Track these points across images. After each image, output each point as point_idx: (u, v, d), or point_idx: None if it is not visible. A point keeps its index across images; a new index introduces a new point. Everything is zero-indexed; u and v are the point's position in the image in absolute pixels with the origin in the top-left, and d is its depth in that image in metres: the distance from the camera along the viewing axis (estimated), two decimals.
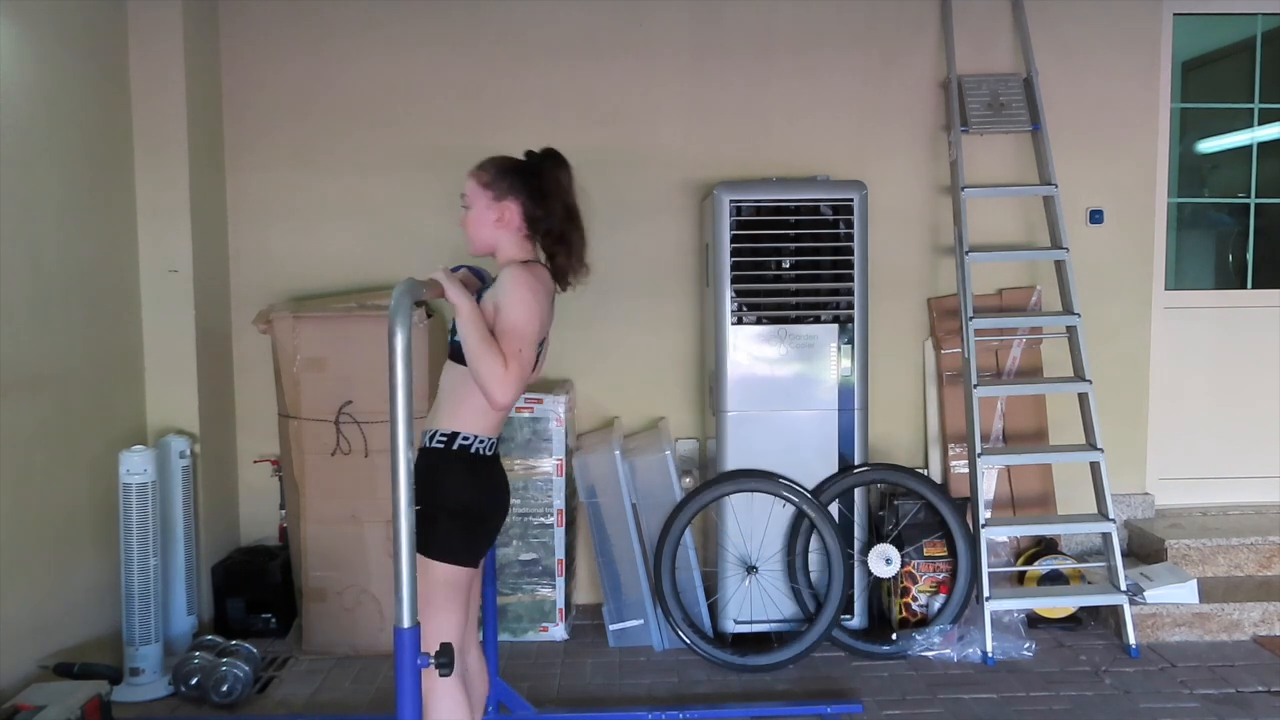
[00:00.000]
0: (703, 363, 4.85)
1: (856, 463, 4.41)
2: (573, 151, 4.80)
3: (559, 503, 4.52)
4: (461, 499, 2.64)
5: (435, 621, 2.58)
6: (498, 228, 2.75)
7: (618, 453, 4.44)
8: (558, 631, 4.55)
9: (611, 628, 4.49)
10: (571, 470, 4.57)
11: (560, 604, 4.54)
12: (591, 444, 4.63)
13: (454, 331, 2.66)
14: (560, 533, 4.53)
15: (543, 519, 4.52)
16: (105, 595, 4.08)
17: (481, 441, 2.68)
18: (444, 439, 2.65)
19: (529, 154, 2.83)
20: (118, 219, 4.31)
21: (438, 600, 2.61)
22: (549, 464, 4.50)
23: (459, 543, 2.64)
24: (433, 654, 2.06)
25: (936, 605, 4.42)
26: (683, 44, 4.90)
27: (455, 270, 2.81)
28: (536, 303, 2.63)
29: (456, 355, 2.66)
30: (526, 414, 4.46)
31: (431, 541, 2.56)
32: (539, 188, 2.76)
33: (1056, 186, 4.74)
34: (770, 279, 4.38)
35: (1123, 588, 4.34)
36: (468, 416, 2.65)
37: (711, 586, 4.48)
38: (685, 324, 4.97)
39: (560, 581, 4.54)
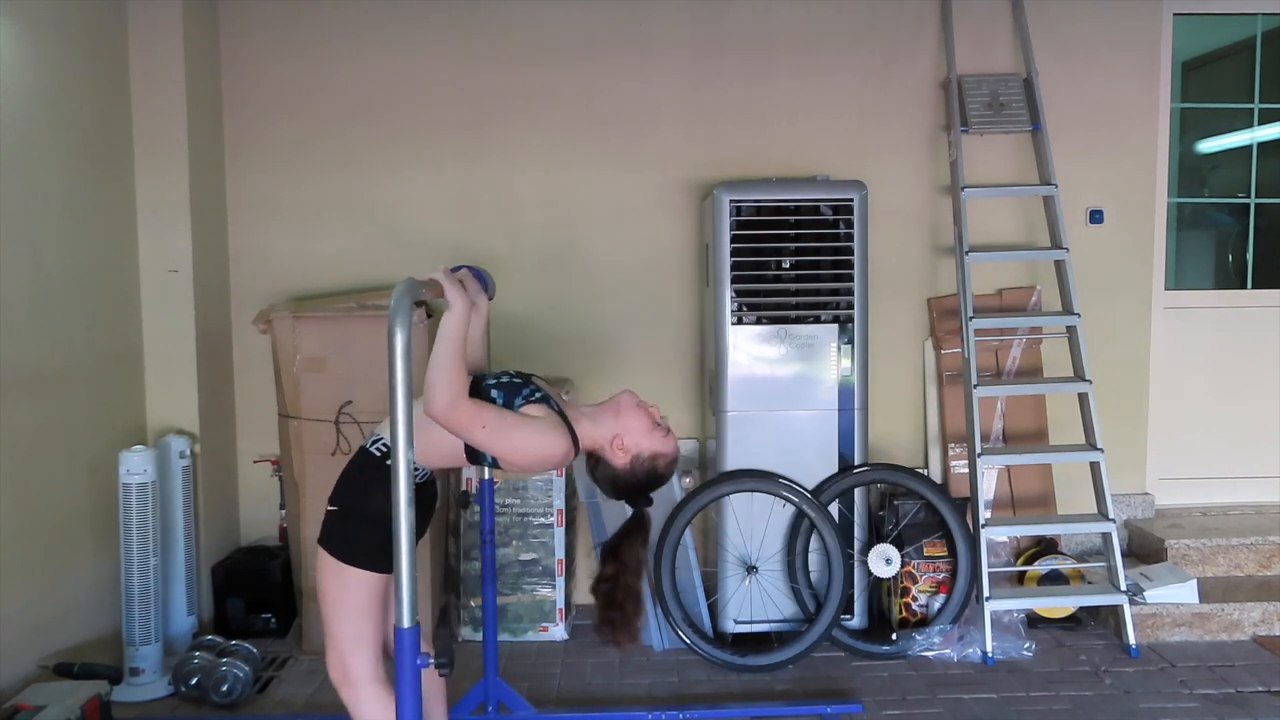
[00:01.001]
0: (703, 363, 4.85)
1: (856, 463, 4.41)
2: (573, 151, 4.89)
3: (559, 503, 4.52)
4: (384, 510, 2.45)
5: (352, 626, 2.58)
6: (609, 436, 2.65)
7: None
8: (558, 631, 4.56)
9: None
10: (571, 470, 4.57)
11: (560, 604, 4.55)
12: None
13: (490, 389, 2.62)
14: (560, 533, 4.53)
15: (543, 519, 4.52)
16: (105, 595, 4.08)
17: (417, 470, 2.59)
18: (383, 450, 2.59)
19: (651, 501, 2.74)
20: (118, 219, 4.32)
21: (356, 605, 2.59)
22: None
23: (378, 549, 2.50)
24: (426, 655, 2.05)
25: (936, 605, 4.42)
26: (683, 43, 4.90)
27: (455, 270, 2.80)
28: (542, 460, 2.56)
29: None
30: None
31: (349, 547, 2.54)
32: (624, 490, 2.69)
33: (1056, 186, 4.73)
34: (770, 279, 4.38)
35: (1123, 588, 4.34)
36: (420, 443, 2.49)
37: (711, 586, 4.48)
38: (685, 324, 4.97)
39: (560, 581, 4.54)
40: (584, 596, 4.93)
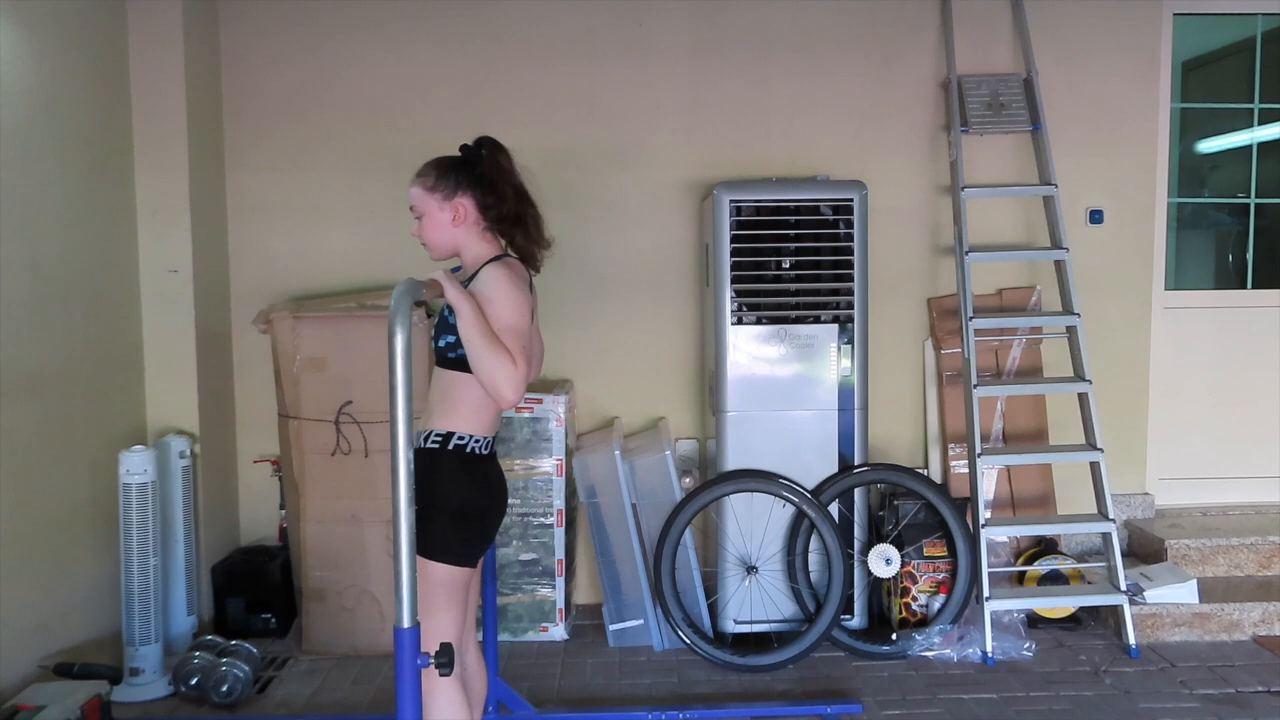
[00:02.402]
0: (703, 363, 4.85)
1: (856, 463, 4.41)
2: (573, 151, 4.88)
3: (559, 503, 4.52)
4: (458, 499, 2.63)
5: (434, 621, 2.58)
6: (456, 226, 2.74)
7: (618, 453, 4.44)
8: (558, 631, 4.56)
9: (611, 628, 4.50)
10: (571, 470, 4.57)
11: (560, 604, 4.55)
12: (591, 444, 4.64)
13: (437, 337, 2.66)
14: (560, 533, 4.53)
15: (543, 519, 4.52)
16: (105, 595, 4.08)
17: (477, 441, 2.67)
18: (439, 439, 2.64)
19: (464, 148, 2.83)
20: (118, 219, 4.32)
21: (438, 601, 2.61)
22: (549, 464, 4.50)
23: (457, 543, 2.63)
24: (432, 654, 2.06)
25: (936, 605, 4.42)
26: (682, 43, 4.90)
27: (455, 270, 2.81)
28: (523, 297, 2.64)
29: (443, 360, 2.65)
30: (526, 414, 4.47)
31: (429, 542, 2.55)
32: (485, 176, 2.76)
33: (1056, 186, 4.74)
34: (770, 279, 4.38)
35: (1123, 588, 4.34)
36: (462, 416, 2.64)
37: (711, 586, 4.48)
38: (685, 324, 4.97)
39: (560, 581, 4.54)
40: (584, 596, 4.94)
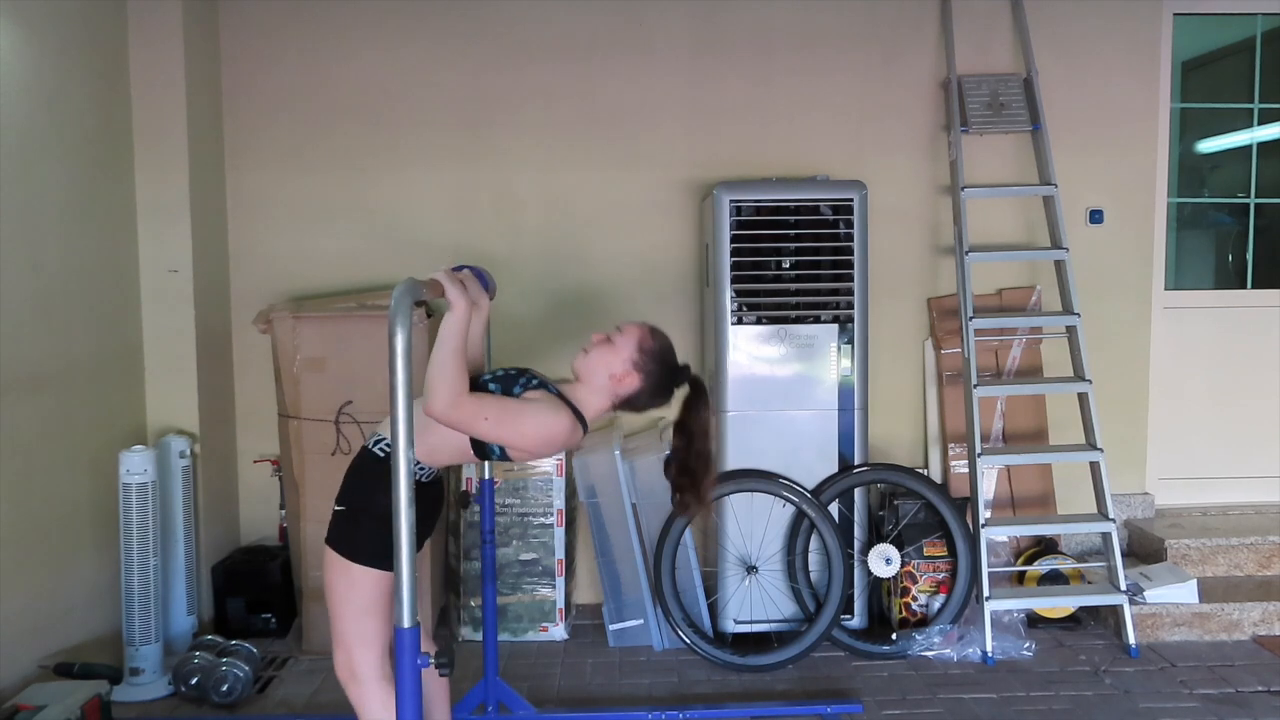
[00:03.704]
0: (703, 362, 4.84)
1: (856, 463, 4.40)
2: (573, 151, 4.88)
3: (559, 503, 4.53)
4: (390, 508, 2.52)
5: (358, 624, 2.59)
6: (610, 381, 2.73)
7: (618, 453, 4.44)
8: (558, 631, 4.56)
9: (611, 627, 4.50)
10: (571, 470, 4.57)
11: (560, 604, 4.55)
12: (591, 444, 4.62)
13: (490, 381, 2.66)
14: (560, 533, 4.53)
15: (543, 519, 4.52)
16: (105, 595, 4.08)
17: (422, 469, 2.63)
18: (387, 450, 2.61)
19: (685, 366, 2.85)
20: (118, 219, 4.32)
21: (363, 603, 2.61)
22: (549, 464, 4.50)
23: (384, 547, 2.49)
24: (427, 654, 2.05)
25: (936, 605, 4.42)
26: (682, 43, 4.90)
27: (457, 270, 2.80)
28: (548, 444, 2.61)
29: None
30: None
31: (356, 546, 2.56)
32: (663, 391, 2.79)
33: (1056, 186, 4.73)
34: (770, 279, 4.38)
35: (1123, 587, 4.34)
36: (423, 441, 2.56)
37: (711, 586, 4.48)
38: (685, 324, 4.96)
39: (560, 581, 4.55)
40: (584, 596, 4.94)
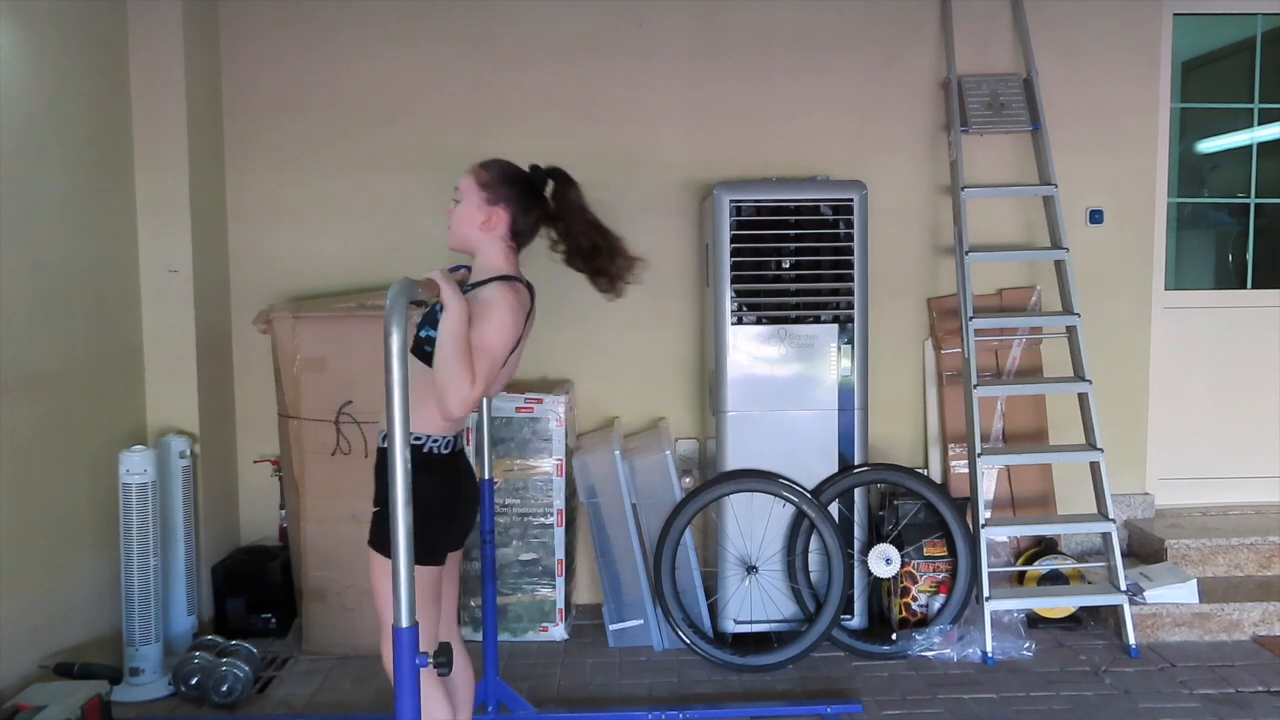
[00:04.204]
0: (703, 363, 4.84)
1: (856, 463, 4.40)
2: (573, 151, 4.84)
3: (559, 503, 4.52)
4: (427, 500, 2.51)
5: None
6: (482, 230, 2.72)
7: (617, 453, 4.44)
8: (558, 631, 4.56)
9: (611, 628, 4.50)
10: (571, 470, 4.57)
11: (560, 604, 4.55)
12: (591, 444, 4.64)
13: (420, 326, 2.63)
14: (560, 533, 4.53)
15: (543, 519, 4.52)
16: (105, 595, 4.08)
17: (435, 441, 2.63)
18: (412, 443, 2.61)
19: (534, 167, 2.82)
20: (118, 219, 4.32)
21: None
22: (549, 464, 4.51)
23: (419, 542, 2.57)
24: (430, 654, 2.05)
25: (936, 605, 4.42)
26: (682, 44, 4.90)
27: (453, 270, 2.80)
28: (513, 323, 2.60)
29: (419, 351, 2.61)
30: (527, 414, 4.48)
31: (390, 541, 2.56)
32: (532, 201, 2.76)
33: (1056, 186, 4.73)
34: (770, 279, 4.38)
35: (1123, 588, 4.34)
36: (420, 414, 2.55)
37: (711, 586, 4.48)
38: (685, 324, 4.97)
39: (560, 581, 4.55)
40: (584, 596, 4.94)
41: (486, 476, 3.65)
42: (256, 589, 4.55)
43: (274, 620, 4.56)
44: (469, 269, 2.88)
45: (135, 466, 3.94)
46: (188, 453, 4.35)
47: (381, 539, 2.64)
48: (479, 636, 4.16)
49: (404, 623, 2.05)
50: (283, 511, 4.67)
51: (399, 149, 4.87)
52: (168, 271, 4.46)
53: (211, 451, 4.61)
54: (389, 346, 2.04)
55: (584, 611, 4.86)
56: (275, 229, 4.88)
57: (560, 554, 4.54)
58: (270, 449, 4.74)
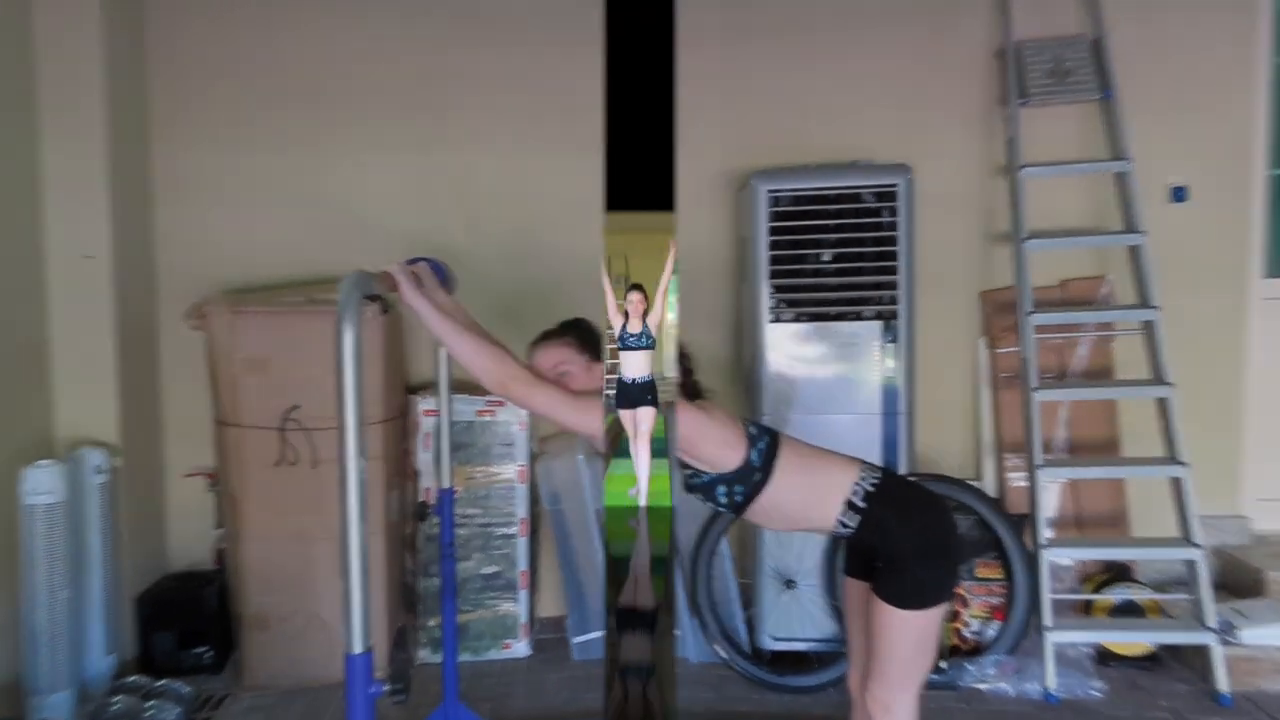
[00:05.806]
0: (738, 363, 4.90)
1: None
2: (589, 144, 4.83)
3: (522, 511, 4.71)
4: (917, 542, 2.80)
5: (910, 671, 2.82)
6: (588, 379, 2.98)
7: (581, 458, 4.61)
8: (520, 648, 4.76)
9: (575, 640, 4.69)
10: (535, 476, 4.75)
11: (524, 618, 4.74)
12: (556, 449, 4.79)
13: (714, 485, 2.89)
14: (524, 543, 4.72)
15: (505, 529, 4.73)
16: (4, 636, 4.03)
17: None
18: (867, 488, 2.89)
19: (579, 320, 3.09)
20: (17, 194, 4.26)
21: (910, 649, 2.81)
22: (511, 470, 4.72)
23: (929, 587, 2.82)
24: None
25: (991, 633, 4.46)
26: (713, 24, 4.95)
27: (412, 262, 2.88)
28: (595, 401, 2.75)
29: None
30: (487, 418, 4.68)
31: (906, 592, 2.77)
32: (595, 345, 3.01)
33: (1131, 161, 4.73)
34: (809, 273, 4.47)
35: (1211, 625, 4.30)
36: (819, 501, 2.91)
37: (747, 599, 4.64)
38: (719, 322, 5.05)
39: (524, 595, 4.73)
40: (547, 609, 5.09)
41: (446, 485, 3.70)
42: (188, 620, 4.57)
43: (209, 654, 4.58)
44: (429, 261, 3.00)
45: (41, 485, 3.91)
46: (105, 467, 4.32)
47: (907, 592, 2.81)
48: (439, 658, 4.22)
49: (356, 649, 2.08)
50: (219, 531, 4.69)
51: (352, 128, 4.93)
52: (81, 256, 4.42)
53: (134, 465, 4.59)
54: (342, 344, 2.07)
55: (547, 625, 5.01)
56: (211, 211, 4.89)
57: (524, 565, 4.73)
58: (204, 460, 4.75)
